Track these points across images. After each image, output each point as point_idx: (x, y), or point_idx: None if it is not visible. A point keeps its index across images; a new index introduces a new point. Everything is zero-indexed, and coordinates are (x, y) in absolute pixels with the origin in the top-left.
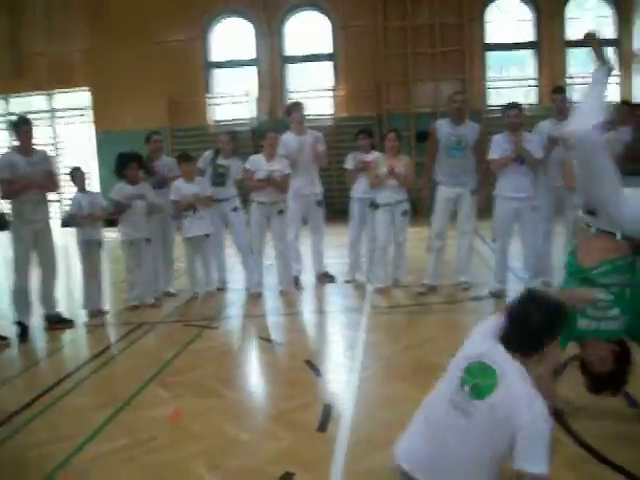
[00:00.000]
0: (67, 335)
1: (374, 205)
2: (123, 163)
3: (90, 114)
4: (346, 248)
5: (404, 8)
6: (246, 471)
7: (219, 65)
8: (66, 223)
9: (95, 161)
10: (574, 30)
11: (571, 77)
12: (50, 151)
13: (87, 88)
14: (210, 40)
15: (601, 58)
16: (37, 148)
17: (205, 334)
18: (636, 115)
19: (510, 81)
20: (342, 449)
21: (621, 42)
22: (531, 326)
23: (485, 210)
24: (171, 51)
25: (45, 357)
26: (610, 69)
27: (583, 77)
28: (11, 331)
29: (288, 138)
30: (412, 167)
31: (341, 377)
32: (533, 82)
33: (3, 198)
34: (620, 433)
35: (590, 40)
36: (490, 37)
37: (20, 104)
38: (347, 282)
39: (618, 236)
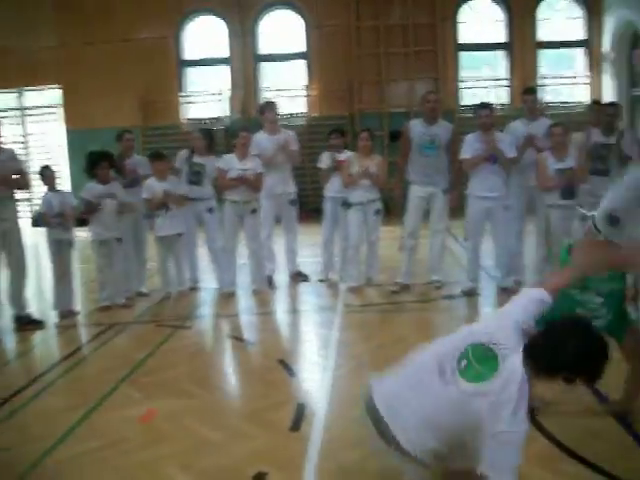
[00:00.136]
0: (37, 336)
1: (347, 204)
2: (93, 162)
3: (61, 112)
4: (319, 247)
5: (377, 8)
6: (219, 471)
7: (192, 63)
8: (36, 222)
9: (66, 160)
10: (545, 31)
11: (542, 78)
12: (20, 150)
13: (58, 86)
14: (183, 38)
15: None
16: (4, 147)
17: (177, 334)
18: (606, 115)
19: (482, 81)
20: (315, 448)
21: (591, 43)
22: (562, 354)
23: (457, 209)
24: (144, 49)
25: (15, 358)
26: None
27: (554, 78)
28: None
29: (261, 137)
30: (384, 166)
31: (314, 376)
32: (505, 82)
33: None
34: (591, 429)
35: None
36: (463, 37)
37: None
38: (320, 281)
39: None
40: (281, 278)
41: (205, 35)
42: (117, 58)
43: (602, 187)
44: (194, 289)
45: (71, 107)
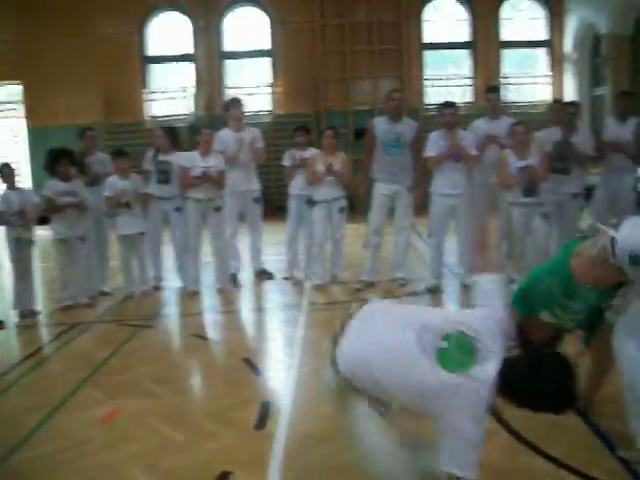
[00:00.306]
0: None
1: (311, 202)
2: (54, 159)
3: (21, 108)
4: (284, 245)
5: (342, 5)
6: (182, 471)
7: (156, 60)
8: None
9: (27, 157)
10: (508, 31)
11: (505, 77)
12: None
13: (18, 81)
14: (147, 34)
15: None
16: None
17: (141, 333)
18: (567, 114)
19: (447, 80)
20: (281, 445)
21: (553, 43)
22: (531, 397)
23: (422, 207)
24: (107, 45)
25: None
26: None
27: (516, 77)
28: None
29: (226, 134)
30: (349, 164)
31: (279, 374)
32: (469, 81)
33: None
34: (552, 423)
35: None
36: (427, 36)
37: None
38: (285, 279)
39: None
40: (246, 276)
41: (169, 32)
42: (80, 54)
43: (562, 185)
44: (158, 288)
45: (32, 103)
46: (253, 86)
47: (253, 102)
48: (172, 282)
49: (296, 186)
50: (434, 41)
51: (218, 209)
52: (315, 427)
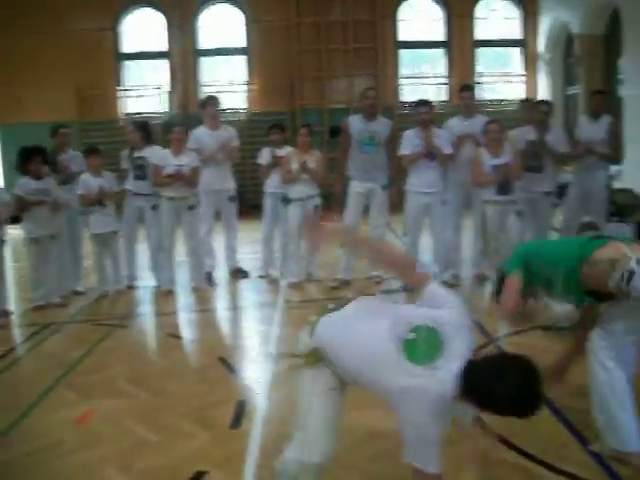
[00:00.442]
0: None
1: (286, 200)
2: (26, 157)
3: None
4: (259, 243)
5: (317, 4)
6: (157, 471)
7: (130, 57)
8: None
9: None
10: (483, 30)
11: (479, 75)
12: None
13: None
14: (121, 31)
15: None
16: None
17: (115, 333)
18: (540, 113)
19: (422, 78)
20: (256, 444)
21: (527, 42)
22: (494, 401)
23: (397, 205)
24: (80, 41)
25: None
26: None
27: (490, 76)
28: None
29: (202, 132)
30: (323, 162)
31: (255, 373)
32: (443, 80)
33: None
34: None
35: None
36: (402, 35)
37: None
38: (261, 277)
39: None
40: (221, 275)
41: (144, 28)
42: (53, 50)
43: (535, 183)
44: (132, 287)
45: (3, 101)
46: (228, 84)
47: (228, 100)
48: (146, 281)
49: (271, 184)
50: (409, 40)
51: (192, 207)
52: (290, 426)
